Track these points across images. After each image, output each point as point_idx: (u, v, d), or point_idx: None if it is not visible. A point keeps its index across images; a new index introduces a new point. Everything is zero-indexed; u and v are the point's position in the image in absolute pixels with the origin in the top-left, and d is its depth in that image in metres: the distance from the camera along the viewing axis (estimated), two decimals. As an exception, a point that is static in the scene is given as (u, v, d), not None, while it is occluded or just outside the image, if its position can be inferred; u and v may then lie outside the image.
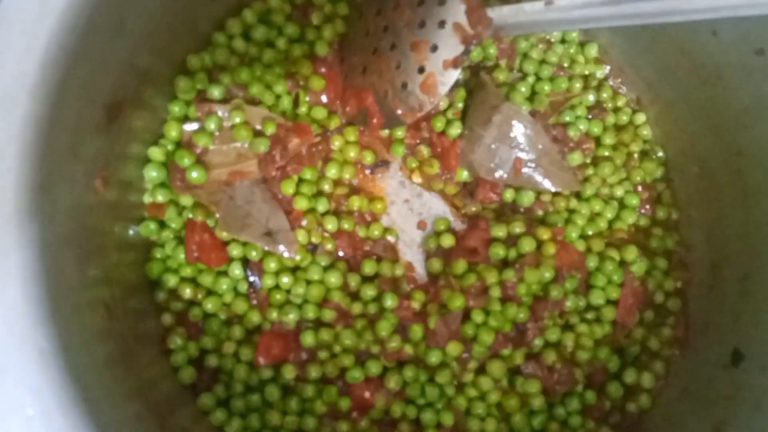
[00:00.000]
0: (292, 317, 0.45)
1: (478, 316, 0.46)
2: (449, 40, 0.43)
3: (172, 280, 0.45)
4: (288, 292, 0.46)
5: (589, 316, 0.47)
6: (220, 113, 0.45)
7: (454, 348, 0.45)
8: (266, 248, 0.45)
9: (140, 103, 0.42)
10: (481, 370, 0.46)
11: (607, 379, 0.48)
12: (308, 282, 0.46)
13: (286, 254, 0.45)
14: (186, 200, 0.45)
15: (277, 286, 0.46)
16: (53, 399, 0.28)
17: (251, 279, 0.46)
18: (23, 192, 0.30)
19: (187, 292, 0.45)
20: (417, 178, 0.50)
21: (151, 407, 0.37)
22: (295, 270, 0.46)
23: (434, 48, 0.44)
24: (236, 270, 0.45)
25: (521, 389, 0.46)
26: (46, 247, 0.30)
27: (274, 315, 0.45)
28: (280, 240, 0.45)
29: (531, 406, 0.46)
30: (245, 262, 0.46)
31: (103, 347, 0.35)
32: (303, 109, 0.48)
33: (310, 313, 0.45)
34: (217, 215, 0.45)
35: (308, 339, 0.45)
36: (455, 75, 0.44)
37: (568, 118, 0.50)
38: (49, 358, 0.29)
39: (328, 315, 0.46)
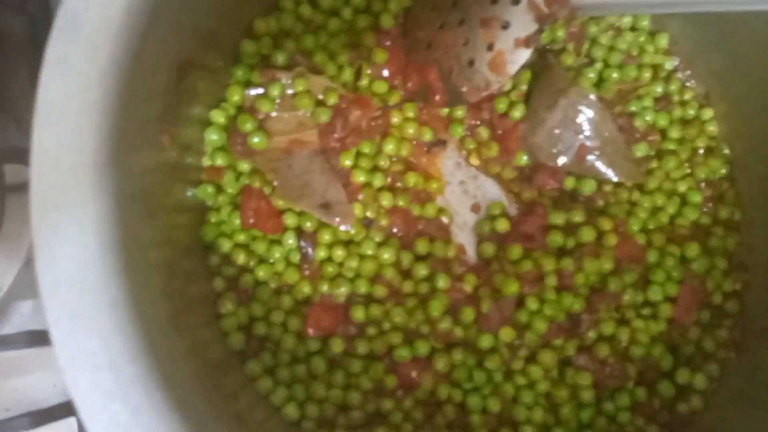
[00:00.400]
0: (343, 290, 0.45)
1: (532, 304, 0.45)
2: (523, 18, 0.42)
3: (226, 245, 0.44)
4: (340, 265, 0.45)
5: (646, 311, 0.46)
6: (283, 80, 0.44)
7: (506, 333, 0.44)
8: (322, 219, 0.44)
9: (206, 66, 0.42)
10: (531, 359, 0.46)
11: (659, 377, 0.46)
12: (361, 257, 0.45)
13: (342, 227, 0.45)
14: (244, 166, 0.45)
15: (329, 259, 0.45)
16: (122, 349, 0.28)
17: (305, 249, 0.45)
18: (102, 142, 0.29)
19: (241, 258, 0.44)
20: (474, 160, 0.50)
21: (206, 367, 0.37)
22: (348, 244, 0.46)
23: (506, 25, 0.43)
24: (290, 239, 0.45)
25: (571, 381, 0.45)
26: (120, 199, 0.30)
27: (324, 287, 0.45)
28: (337, 212, 0.45)
29: (580, 399, 0.45)
30: (299, 232, 0.45)
31: (165, 305, 0.34)
32: (364, 82, 0.47)
33: (362, 288, 0.45)
34: (275, 183, 0.44)
35: (358, 314, 0.45)
36: (526, 54, 0.43)
37: (634, 108, 0.49)
38: (119, 308, 0.28)
39: (380, 291, 0.45)
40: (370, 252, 0.45)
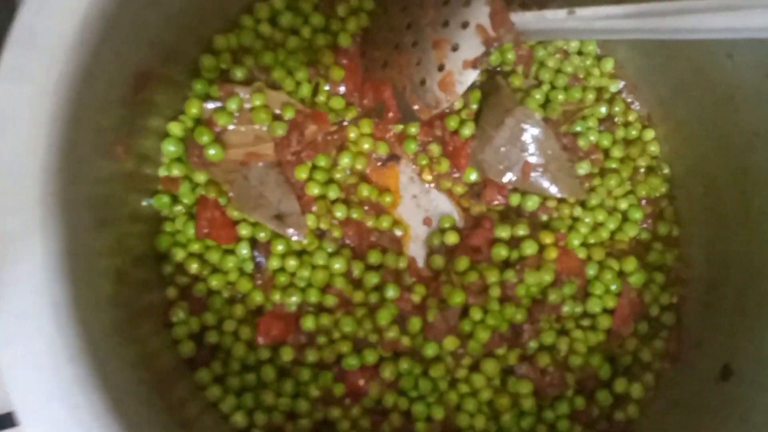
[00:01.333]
0: (294, 300, 0.46)
1: (476, 314, 0.46)
2: (471, 41, 0.44)
3: (180, 254, 0.45)
4: (293, 275, 0.47)
5: (585, 323, 0.48)
6: (241, 95, 0.46)
7: (450, 342, 0.46)
8: (276, 230, 0.46)
9: (164, 78, 0.43)
10: (474, 368, 0.47)
11: (598, 386, 0.48)
12: (313, 267, 0.47)
13: (295, 237, 0.46)
14: (200, 177, 0.46)
15: (282, 269, 0.47)
16: (63, 349, 0.29)
17: (258, 259, 0.47)
18: (53, 150, 0.30)
19: (194, 267, 0.45)
20: (427, 176, 0.51)
21: (155, 375, 0.38)
22: (301, 254, 0.47)
23: (455, 47, 0.45)
24: (243, 249, 0.46)
25: (513, 389, 0.47)
26: (68, 206, 0.31)
27: (276, 297, 0.46)
28: (290, 223, 0.46)
29: (521, 407, 0.47)
30: (253, 242, 0.47)
31: (112, 312, 0.35)
32: (321, 98, 0.49)
33: (313, 297, 0.46)
34: (231, 194, 0.45)
35: (308, 323, 0.46)
36: (473, 75, 0.45)
37: (579, 128, 0.51)
38: (62, 311, 0.29)
39: (330, 300, 0.46)
40: (321, 262, 0.47)
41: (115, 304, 0.36)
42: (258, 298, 0.46)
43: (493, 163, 0.49)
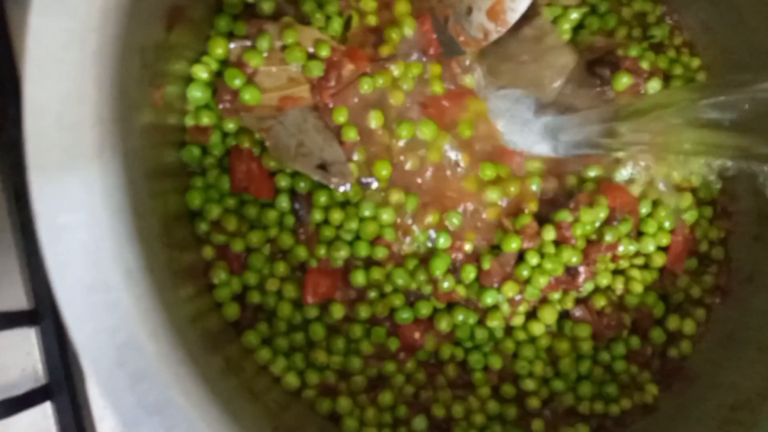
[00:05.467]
0: (342, 254, 0.43)
1: (532, 258, 0.44)
2: (523, -35, 0.41)
3: (214, 211, 0.41)
4: (338, 228, 0.43)
5: (638, 261, 0.47)
6: (271, 32, 0.41)
7: (510, 288, 0.44)
8: (321, 180, 0.42)
9: (190, 16, 0.38)
10: (531, 314, 0.45)
11: (651, 324, 0.47)
12: (361, 219, 0.43)
13: (340, 188, 0.42)
14: (230, 125, 0.42)
15: (326, 222, 0.43)
16: (143, 324, 0.26)
17: (299, 213, 0.43)
18: (104, 96, 0.26)
19: (231, 223, 0.42)
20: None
21: (208, 336, 0.35)
22: (344, 205, 0.44)
23: (506, -28, 0.41)
24: (283, 203, 0.43)
25: (570, 333, 0.45)
26: (125, 160, 0.27)
27: (322, 251, 0.43)
28: (335, 172, 0.42)
29: (579, 351, 0.46)
30: (293, 194, 0.43)
31: (169, 275, 0.32)
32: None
33: (362, 251, 0.43)
34: (267, 143, 0.41)
35: (359, 278, 0.43)
36: (527, 2, 0.41)
37: (635, 53, 0.48)
38: (135, 279, 0.26)
39: (381, 253, 0.44)
40: (368, 213, 0.43)
41: (168, 267, 0.33)
42: (302, 254, 0.43)
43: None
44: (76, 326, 0.24)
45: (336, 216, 0.43)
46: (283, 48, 0.42)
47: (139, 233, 0.27)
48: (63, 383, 0.46)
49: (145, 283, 0.26)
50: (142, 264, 0.27)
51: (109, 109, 0.26)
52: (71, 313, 0.24)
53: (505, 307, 0.45)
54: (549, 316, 0.45)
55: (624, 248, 0.46)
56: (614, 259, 0.46)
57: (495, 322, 0.44)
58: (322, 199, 0.43)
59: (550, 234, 0.45)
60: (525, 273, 0.44)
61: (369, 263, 0.44)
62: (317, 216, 0.43)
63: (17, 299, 0.48)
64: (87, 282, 0.25)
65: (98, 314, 0.25)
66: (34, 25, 0.25)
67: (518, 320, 0.45)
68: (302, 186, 0.43)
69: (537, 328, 0.45)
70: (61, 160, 0.25)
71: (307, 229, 0.43)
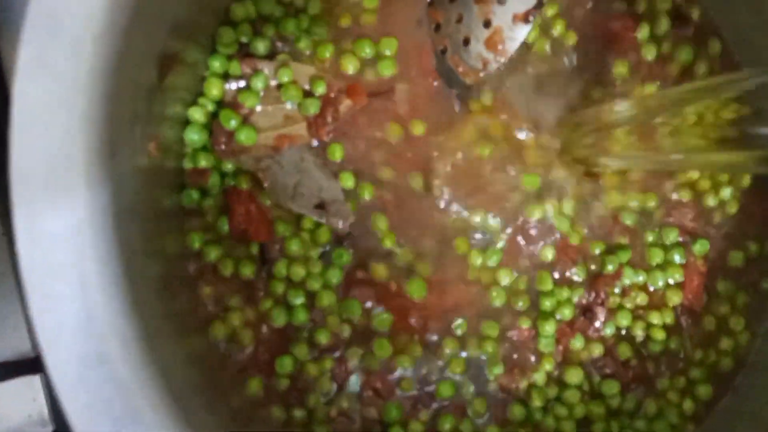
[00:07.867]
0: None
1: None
2: (519, -8, 0.40)
3: (213, 254, 0.41)
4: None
5: (644, 299, 0.44)
6: (265, 71, 0.41)
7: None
8: (319, 220, 0.41)
9: (184, 60, 0.37)
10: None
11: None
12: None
13: (340, 226, 0.42)
14: (228, 166, 0.41)
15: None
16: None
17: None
18: (93, 155, 0.26)
19: (228, 267, 0.41)
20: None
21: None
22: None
23: (502, 0, 0.41)
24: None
25: (598, 389, 0.43)
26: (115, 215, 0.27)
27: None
28: (334, 212, 0.42)
29: (609, 407, 0.43)
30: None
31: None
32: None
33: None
34: (265, 184, 0.41)
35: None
36: (526, 30, 0.41)
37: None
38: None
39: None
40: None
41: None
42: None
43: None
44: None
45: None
46: (279, 86, 0.41)
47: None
48: (69, 430, 0.46)
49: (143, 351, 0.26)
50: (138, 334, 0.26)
51: (99, 171, 0.26)
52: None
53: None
54: (575, 377, 0.43)
55: (629, 279, 0.44)
56: (625, 293, 0.44)
57: (536, 403, 0.43)
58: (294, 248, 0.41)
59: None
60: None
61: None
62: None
63: (21, 343, 0.48)
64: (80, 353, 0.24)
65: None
66: (20, 87, 0.24)
67: (552, 391, 0.43)
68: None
69: (572, 395, 0.43)
70: (52, 225, 0.24)
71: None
